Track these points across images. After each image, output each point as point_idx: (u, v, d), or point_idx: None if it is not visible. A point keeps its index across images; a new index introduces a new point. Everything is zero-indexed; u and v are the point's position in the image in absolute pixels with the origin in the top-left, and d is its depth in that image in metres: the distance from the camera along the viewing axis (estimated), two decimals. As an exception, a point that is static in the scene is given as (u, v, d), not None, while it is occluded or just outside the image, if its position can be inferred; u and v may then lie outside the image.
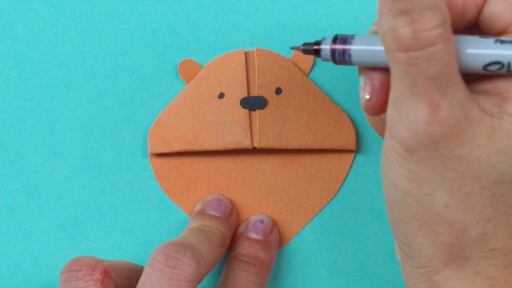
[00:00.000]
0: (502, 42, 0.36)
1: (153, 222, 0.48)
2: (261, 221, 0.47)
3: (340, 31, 0.48)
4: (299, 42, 0.48)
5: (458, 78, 0.36)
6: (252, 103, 0.47)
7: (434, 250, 0.37)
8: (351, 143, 0.48)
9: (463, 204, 0.37)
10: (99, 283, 0.41)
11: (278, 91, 0.47)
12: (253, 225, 0.47)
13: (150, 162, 0.48)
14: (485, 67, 0.37)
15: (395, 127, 0.36)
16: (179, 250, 0.40)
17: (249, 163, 0.48)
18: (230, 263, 0.46)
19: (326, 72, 0.48)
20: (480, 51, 0.37)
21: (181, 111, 0.47)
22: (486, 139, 0.36)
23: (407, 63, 0.36)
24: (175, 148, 0.47)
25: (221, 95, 0.47)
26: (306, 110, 0.47)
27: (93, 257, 0.42)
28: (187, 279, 0.40)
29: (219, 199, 0.47)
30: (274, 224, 0.48)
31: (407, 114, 0.36)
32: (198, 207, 0.47)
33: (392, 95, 0.37)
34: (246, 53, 0.48)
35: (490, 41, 0.37)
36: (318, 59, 0.48)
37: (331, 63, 0.48)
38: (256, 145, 0.47)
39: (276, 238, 0.47)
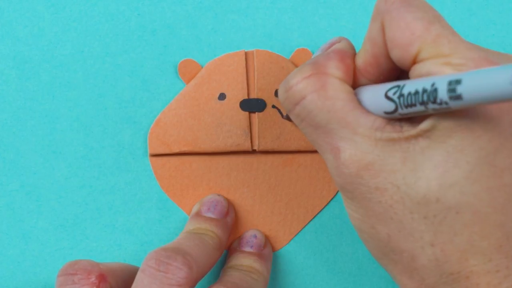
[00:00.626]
0: (387, 93, 0.36)
1: (153, 222, 0.48)
2: (255, 236, 0.47)
3: (340, 31, 0.48)
4: (299, 42, 0.48)
5: (353, 116, 0.37)
6: (252, 105, 0.47)
7: (400, 277, 0.38)
8: (351, 143, 0.48)
9: (401, 232, 0.36)
10: (94, 287, 0.41)
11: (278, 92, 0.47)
12: (247, 240, 0.47)
13: (150, 162, 0.48)
14: (401, 115, 0.36)
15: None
16: (170, 255, 0.41)
17: (249, 163, 0.48)
18: (225, 271, 0.45)
19: (326, 72, 0.48)
20: (371, 103, 0.37)
21: (181, 112, 0.47)
22: (399, 163, 0.36)
23: (298, 121, 0.38)
24: (175, 149, 0.47)
25: (221, 96, 0.47)
26: (306, 110, 0.47)
27: (89, 261, 0.42)
28: (179, 283, 0.40)
29: (215, 200, 0.47)
30: (267, 239, 0.48)
31: (326, 163, 0.38)
32: (195, 209, 0.47)
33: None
34: (246, 54, 0.48)
35: (381, 92, 0.37)
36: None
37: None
38: (255, 147, 0.47)
39: (269, 253, 0.48)
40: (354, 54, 0.40)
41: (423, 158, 0.35)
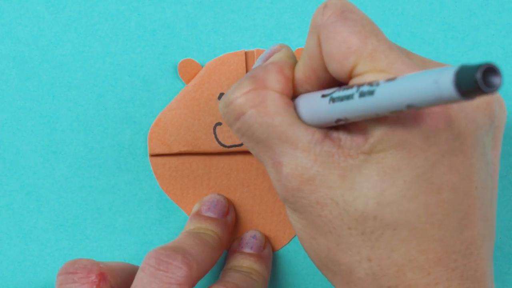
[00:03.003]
0: (332, 99, 0.36)
1: (153, 222, 0.48)
2: (254, 237, 0.47)
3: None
4: (299, 42, 0.48)
5: (293, 131, 0.37)
6: (252, 104, 0.47)
7: (339, 287, 0.38)
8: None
9: (340, 246, 0.37)
10: (94, 286, 0.41)
11: (278, 91, 0.47)
12: (246, 241, 0.47)
13: (150, 162, 0.48)
14: (336, 121, 0.37)
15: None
16: (170, 254, 0.41)
17: (249, 163, 0.48)
18: (225, 272, 0.45)
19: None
20: (317, 113, 0.37)
21: (181, 112, 0.47)
22: (338, 180, 0.36)
23: (239, 135, 0.39)
24: (175, 149, 0.47)
25: (221, 96, 0.47)
26: (306, 110, 0.47)
27: (89, 260, 0.42)
28: (178, 282, 0.40)
29: (215, 199, 0.47)
30: (267, 240, 0.48)
31: (269, 176, 0.39)
32: (195, 208, 0.47)
33: None
34: (246, 53, 0.48)
35: (325, 101, 0.37)
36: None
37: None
38: (256, 146, 0.47)
39: (269, 254, 0.48)
40: (294, 64, 0.40)
41: (361, 178, 0.36)
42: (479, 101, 0.37)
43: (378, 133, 0.35)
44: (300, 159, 0.37)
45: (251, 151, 0.39)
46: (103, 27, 0.48)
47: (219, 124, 0.47)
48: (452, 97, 0.30)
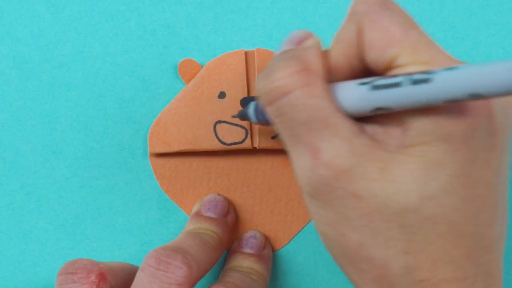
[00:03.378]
0: (375, 87, 0.36)
1: (153, 222, 0.48)
2: (254, 237, 0.47)
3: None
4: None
5: (336, 118, 0.36)
6: (252, 103, 0.47)
7: (365, 286, 0.38)
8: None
9: (375, 240, 0.36)
10: (94, 286, 0.41)
11: (278, 91, 0.47)
12: (246, 241, 0.47)
13: (150, 162, 0.48)
14: (372, 111, 0.36)
15: (296, 177, 0.38)
16: (170, 254, 0.41)
17: (249, 163, 0.48)
18: (225, 272, 0.45)
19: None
20: (356, 101, 0.37)
21: (181, 111, 0.47)
22: (378, 172, 0.36)
23: (277, 115, 0.37)
24: (175, 148, 0.47)
25: (221, 95, 0.47)
26: (306, 110, 0.47)
27: (89, 260, 0.42)
28: (178, 282, 0.40)
29: (215, 199, 0.47)
30: (267, 240, 0.48)
31: (298, 163, 0.37)
32: (195, 208, 0.47)
33: (286, 147, 0.38)
34: (246, 53, 0.48)
35: (364, 88, 0.36)
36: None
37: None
38: (256, 145, 0.47)
39: (269, 254, 0.48)
40: (325, 51, 0.39)
41: (402, 172, 0.35)
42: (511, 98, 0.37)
43: (419, 125, 0.35)
44: (340, 147, 0.36)
45: (283, 135, 0.38)
46: (103, 27, 0.48)
47: (220, 122, 0.47)
48: None
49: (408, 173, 0.35)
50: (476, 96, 0.32)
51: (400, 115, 0.36)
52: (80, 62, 0.48)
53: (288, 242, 0.49)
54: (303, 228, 0.49)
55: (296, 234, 0.49)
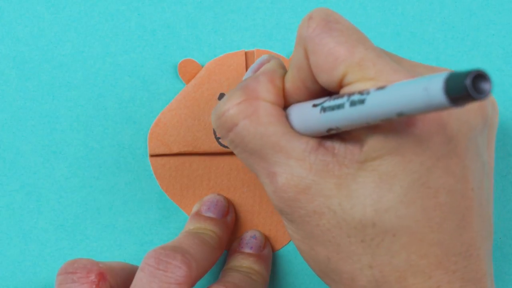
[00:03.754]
0: (323, 109, 0.36)
1: (153, 222, 0.48)
2: (254, 237, 0.47)
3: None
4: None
5: (286, 141, 0.37)
6: (252, 104, 0.47)
7: None
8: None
9: (340, 254, 0.37)
10: (94, 286, 0.41)
11: (278, 91, 0.47)
12: (246, 241, 0.47)
13: (150, 162, 0.48)
14: (328, 131, 0.37)
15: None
16: (169, 253, 0.41)
17: (249, 163, 0.48)
18: (225, 272, 0.45)
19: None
20: (309, 123, 0.37)
21: (181, 112, 0.47)
22: (334, 189, 0.36)
23: (232, 147, 0.39)
24: (175, 150, 0.47)
25: (221, 97, 0.47)
26: (306, 110, 0.47)
27: (89, 259, 0.42)
28: (178, 281, 0.40)
29: (215, 199, 0.47)
30: (267, 240, 0.48)
31: (264, 186, 0.38)
32: (195, 208, 0.47)
33: None
34: (246, 54, 0.48)
35: (316, 110, 0.37)
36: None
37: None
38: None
39: (269, 254, 0.48)
40: (284, 74, 0.40)
41: (357, 186, 0.36)
42: None
43: (371, 141, 0.35)
44: (295, 168, 0.37)
45: (245, 163, 0.39)
46: (103, 27, 0.48)
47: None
48: (442, 104, 0.30)
49: (362, 187, 0.36)
50: (403, 115, 0.32)
51: (358, 132, 0.36)
52: (80, 62, 0.48)
53: (288, 242, 0.49)
54: (303, 228, 0.49)
55: (296, 234, 0.49)
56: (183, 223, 0.48)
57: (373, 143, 0.35)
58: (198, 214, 0.47)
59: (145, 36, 0.48)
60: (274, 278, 0.49)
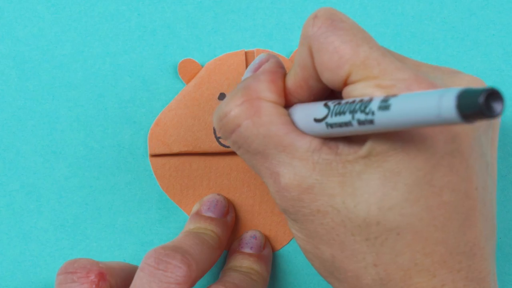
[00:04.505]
0: (330, 126, 0.36)
1: (153, 222, 0.48)
2: (254, 237, 0.47)
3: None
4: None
5: (289, 140, 0.37)
6: (252, 104, 0.47)
7: None
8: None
9: (344, 253, 0.37)
10: (94, 286, 0.41)
11: (278, 91, 0.47)
12: (246, 241, 0.47)
13: (150, 162, 0.48)
14: (330, 128, 0.37)
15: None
16: (169, 253, 0.41)
17: (249, 163, 0.48)
18: (225, 272, 0.45)
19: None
20: (314, 129, 0.37)
21: (181, 112, 0.47)
22: (338, 187, 0.36)
23: (235, 148, 0.39)
24: (175, 149, 0.47)
25: (221, 96, 0.47)
26: (306, 110, 0.47)
27: (89, 259, 0.42)
28: (178, 281, 0.40)
29: (215, 199, 0.47)
30: (267, 240, 0.48)
31: (268, 186, 0.39)
32: (195, 208, 0.47)
33: None
34: (246, 53, 0.48)
35: (321, 125, 0.37)
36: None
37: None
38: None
39: (269, 253, 0.48)
40: (284, 73, 0.40)
41: (361, 183, 0.36)
42: None
43: (375, 137, 0.35)
44: (298, 168, 0.37)
45: (248, 163, 0.39)
46: (103, 27, 0.48)
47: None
48: (453, 121, 0.30)
49: (366, 184, 0.36)
50: (413, 127, 0.32)
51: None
52: (80, 62, 0.48)
53: (288, 242, 0.49)
54: (303, 228, 0.49)
55: (296, 234, 0.49)
56: (183, 223, 0.48)
57: (378, 140, 0.35)
58: (198, 214, 0.47)
59: (145, 36, 0.48)
60: (274, 278, 0.49)
